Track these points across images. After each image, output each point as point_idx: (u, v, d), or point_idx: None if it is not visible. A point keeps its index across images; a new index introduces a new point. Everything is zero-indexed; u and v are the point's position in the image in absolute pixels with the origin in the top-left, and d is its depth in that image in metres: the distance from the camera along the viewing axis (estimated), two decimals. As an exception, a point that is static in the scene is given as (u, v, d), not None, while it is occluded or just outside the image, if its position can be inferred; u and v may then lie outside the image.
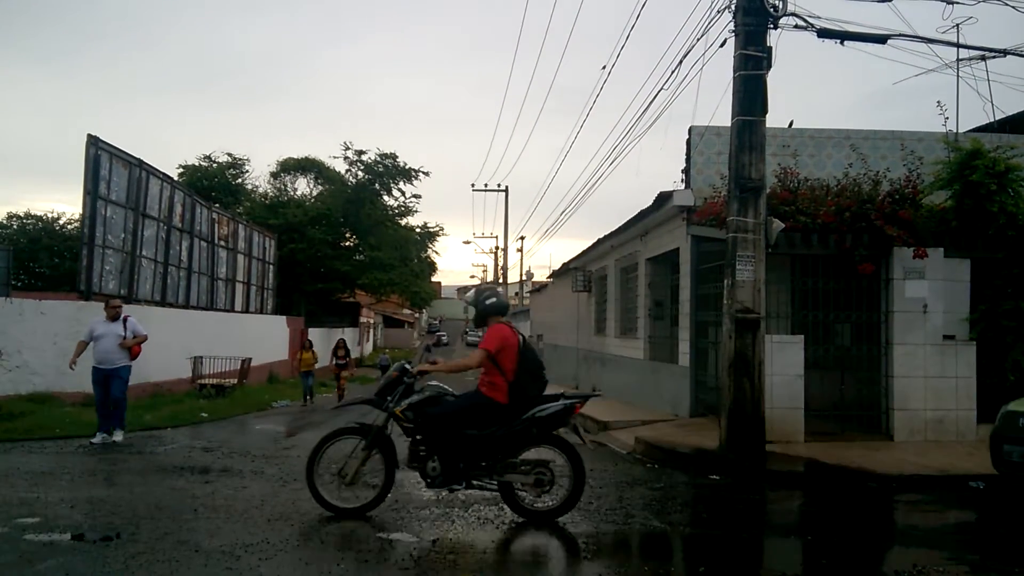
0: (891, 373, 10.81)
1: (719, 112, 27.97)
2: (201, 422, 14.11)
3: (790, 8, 9.08)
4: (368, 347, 56.59)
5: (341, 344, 20.18)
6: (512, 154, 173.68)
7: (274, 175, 41.69)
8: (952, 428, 10.69)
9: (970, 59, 11.15)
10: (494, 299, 6.54)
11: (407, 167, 39.96)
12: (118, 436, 10.20)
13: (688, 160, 13.40)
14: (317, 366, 20.58)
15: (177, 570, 4.62)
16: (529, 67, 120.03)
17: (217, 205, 27.72)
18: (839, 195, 11.06)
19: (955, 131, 12.36)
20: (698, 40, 10.17)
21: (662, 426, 12.22)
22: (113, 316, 10.32)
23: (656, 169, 22.75)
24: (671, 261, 14.38)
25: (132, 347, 10.30)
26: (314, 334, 34.07)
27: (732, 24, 9.13)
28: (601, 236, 18.83)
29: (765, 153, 9.19)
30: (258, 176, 49.09)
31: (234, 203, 36.90)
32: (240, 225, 26.80)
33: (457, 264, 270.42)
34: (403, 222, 42.17)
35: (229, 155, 39.21)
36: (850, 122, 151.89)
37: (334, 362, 19.99)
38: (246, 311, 26.81)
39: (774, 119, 9.61)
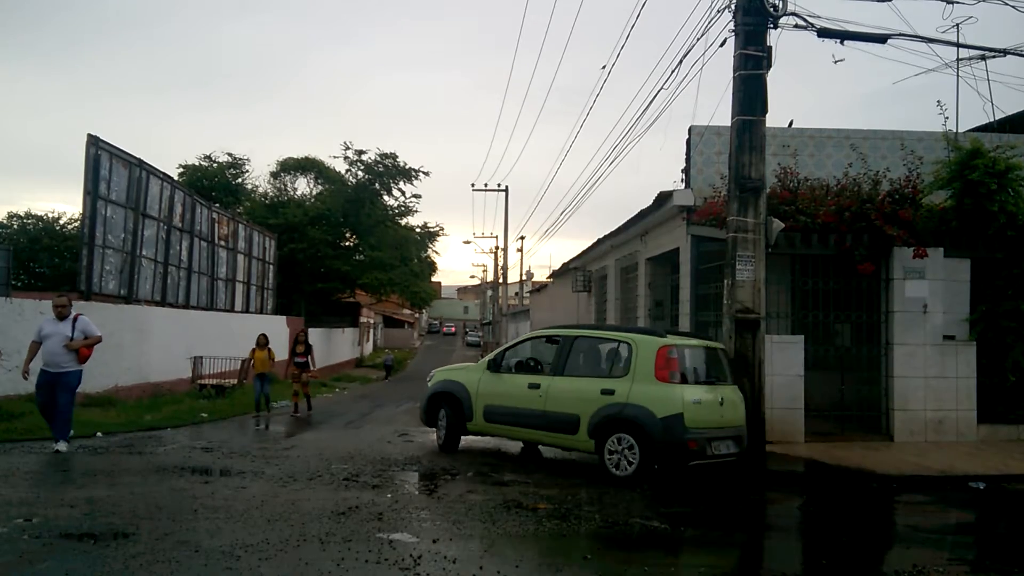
0: (891, 373, 10.81)
1: (719, 112, 27.96)
2: (201, 422, 14.11)
3: (790, 8, 9.10)
4: (368, 347, 56.57)
5: (301, 338, 16.47)
6: (512, 154, 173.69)
7: (274, 175, 41.68)
8: (952, 429, 10.69)
9: (970, 59, 11.16)
10: None
11: (407, 167, 40.00)
12: (61, 446, 9.06)
13: (688, 160, 13.39)
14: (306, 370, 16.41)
15: (177, 570, 4.61)
16: (529, 67, 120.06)
17: (217, 205, 27.71)
18: (839, 195, 11.06)
19: (955, 131, 12.36)
20: (698, 40, 10.17)
21: (662, 426, 12.22)
22: (60, 315, 9.22)
23: (656, 169, 22.74)
24: (671, 261, 14.37)
25: (80, 349, 9.18)
26: (314, 334, 34.05)
27: (732, 24, 9.14)
28: (601, 236, 18.83)
29: (765, 153, 9.19)
30: (258, 176, 49.08)
31: (234, 203, 36.89)
32: (240, 225, 26.80)
33: (457, 264, 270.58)
34: (403, 222, 42.16)
35: (229, 155, 39.25)
36: (850, 122, 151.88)
37: (292, 360, 16.26)
38: (246, 311, 26.82)
39: (774, 119, 9.63)
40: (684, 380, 8.39)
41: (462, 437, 10.13)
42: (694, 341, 9.23)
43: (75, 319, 9.29)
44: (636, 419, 8.18)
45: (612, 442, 8.31)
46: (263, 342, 15.82)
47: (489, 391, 9.74)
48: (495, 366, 9.93)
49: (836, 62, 11.95)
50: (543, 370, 9.59)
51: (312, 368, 16.64)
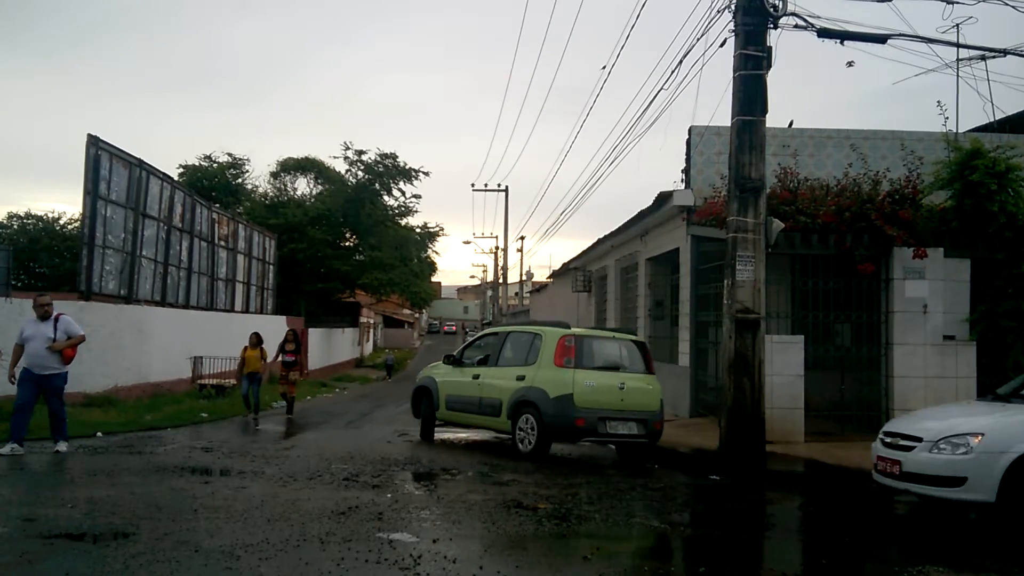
0: (891, 373, 10.82)
1: (719, 112, 27.97)
2: (201, 422, 14.10)
3: (790, 8, 9.10)
4: (368, 347, 56.58)
5: (290, 337, 15.60)
6: (512, 154, 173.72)
7: (274, 175, 41.65)
8: (952, 428, 10.67)
9: (970, 59, 11.18)
10: None
11: (407, 167, 39.97)
12: (62, 447, 9.06)
13: (688, 160, 13.40)
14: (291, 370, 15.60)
15: (177, 570, 4.61)
16: (529, 67, 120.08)
17: (217, 205, 27.70)
18: (839, 195, 11.06)
19: (955, 131, 12.37)
20: (698, 40, 10.18)
21: (662, 426, 12.22)
22: (42, 315, 8.97)
23: (656, 169, 22.73)
24: (671, 261, 14.39)
25: (64, 350, 8.97)
26: (314, 334, 34.03)
27: (732, 24, 9.13)
28: (601, 236, 18.85)
29: (765, 153, 9.19)
30: (258, 176, 49.07)
31: (234, 203, 36.88)
32: (240, 225, 26.78)
33: (457, 264, 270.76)
34: (403, 222, 42.12)
35: (229, 155, 39.23)
36: (850, 122, 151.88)
37: (280, 359, 15.41)
38: (246, 311, 26.80)
39: (774, 119, 9.63)
40: (579, 366, 9.42)
41: (465, 432, 10.95)
42: (603, 333, 10.57)
43: (57, 318, 9.03)
44: (534, 400, 9.36)
45: (522, 421, 9.48)
46: (255, 341, 15.17)
47: (449, 383, 11.09)
48: (456, 361, 11.25)
49: (848, 64, 11.96)
50: (488, 363, 10.65)
51: (304, 369, 15.83)
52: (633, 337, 10.58)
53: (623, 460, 10.03)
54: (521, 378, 9.68)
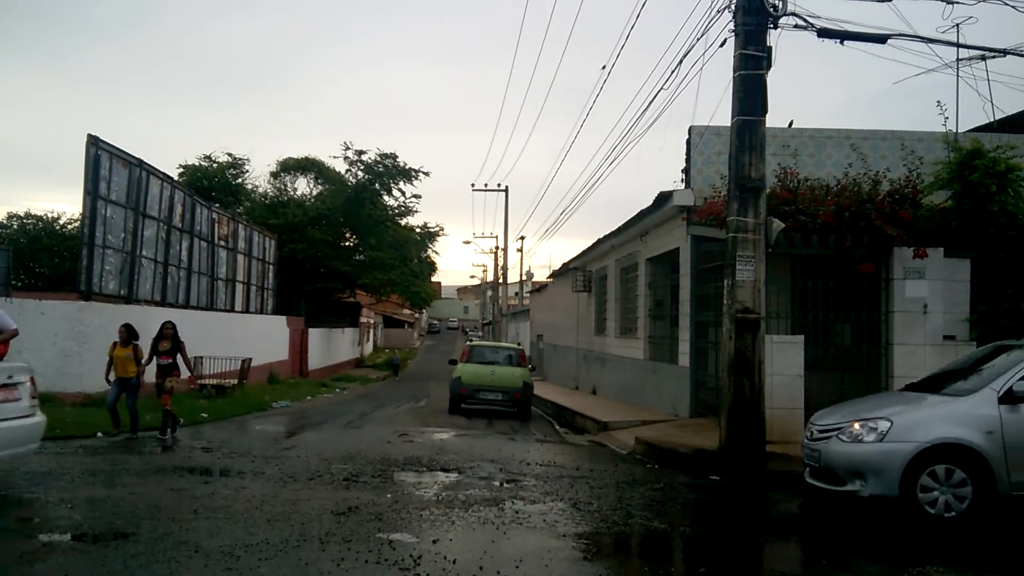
0: (891, 373, 10.81)
1: (719, 112, 27.94)
2: (201, 422, 14.11)
3: (790, 8, 9.09)
4: (368, 347, 56.59)
5: (167, 331, 11.54)
6: (512, 154, 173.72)
7: (274, 175, 41.60)
8: (952, 428, 10.66)
9: (970, 59, 11.16)
10: None
11: (407, 167, 39.93)
12: None
13: (688, 160, 13.40)
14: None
15: (177, 570, 4.62)
16: (529, 67, 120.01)
17: (217, 205, 27.66)
18: (839, 195, 11.05)
19: (955, 131, 12.36)
20: (698, 40, 10.16)
21: (662, 426, 12.23)
22: None
23: (656, 169, 22.74)
24: (671, 261, 14.39)
25: None
26: (314, 334, 34.03)
27: (732, 24, 9.13)
28: (601, 236, 18.85)
29: (765, 153, 9.18)
30: (258, 176, 48.81)
31: (234, 203, 36.81)
32: (240, 225, 26.77)
33: (457, 264, 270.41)
34: (403, 222, 42.11)
35: (229, 155, 39.12)
36: (850, 122, 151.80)
37: (155, 361, 11.46)
38: (246, 311, 26.80)
39: (774, 119, 9.62)
40: (470, 361, 17.71)
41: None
42: (489, 344, 21.38)
43: None
44: (451, 380, 17.82)
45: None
46: (126, 337, 11.08)
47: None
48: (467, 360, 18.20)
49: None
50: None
51: (188, 372, 12.42)
52: (511, 345, 20.18)
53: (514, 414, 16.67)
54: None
